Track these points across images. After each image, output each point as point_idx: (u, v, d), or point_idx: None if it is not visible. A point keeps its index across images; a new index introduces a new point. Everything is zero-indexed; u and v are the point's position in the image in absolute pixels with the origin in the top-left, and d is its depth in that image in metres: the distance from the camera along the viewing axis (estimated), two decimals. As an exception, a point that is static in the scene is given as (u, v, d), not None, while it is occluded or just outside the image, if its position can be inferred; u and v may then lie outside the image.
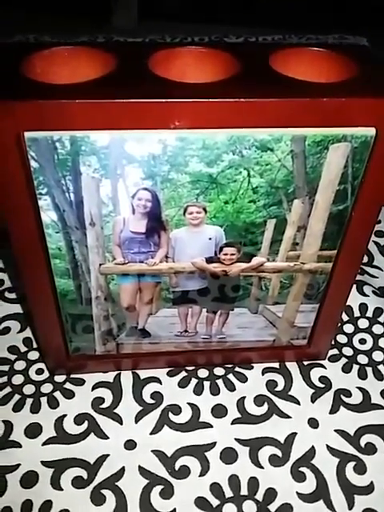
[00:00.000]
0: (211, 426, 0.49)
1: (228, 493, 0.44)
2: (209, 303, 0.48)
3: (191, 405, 0.51)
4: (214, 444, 0.48)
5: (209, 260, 0.44)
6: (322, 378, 0.54)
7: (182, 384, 0.52)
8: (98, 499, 0.44)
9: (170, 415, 0.50)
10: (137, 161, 0.37)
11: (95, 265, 0.43)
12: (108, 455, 0.46)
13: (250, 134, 0.36)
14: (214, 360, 0.54)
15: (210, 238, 0.43)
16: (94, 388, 0.52)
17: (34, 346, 0.55)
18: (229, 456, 0.47)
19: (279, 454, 0.47)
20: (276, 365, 0.55)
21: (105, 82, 0.36)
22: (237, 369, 0.54)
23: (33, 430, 0.48)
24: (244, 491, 0.45)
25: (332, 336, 0.54)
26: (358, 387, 0.53)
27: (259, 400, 0.51)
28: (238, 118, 0.35)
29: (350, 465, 0.47)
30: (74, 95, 0.33)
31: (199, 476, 0.45)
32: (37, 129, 0.34)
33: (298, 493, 0.45)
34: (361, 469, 0.46)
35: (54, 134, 0.35)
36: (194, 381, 0.53)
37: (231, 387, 0.52)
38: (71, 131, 0.35)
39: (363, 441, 0.48)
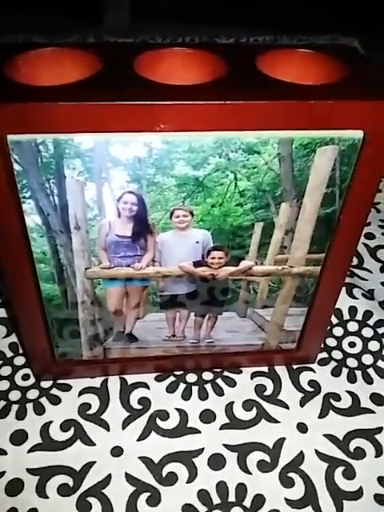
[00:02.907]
0: (199, 432, 0.49)
1: (216, 499, 0.44)
2: (197, 307, 0.48)
3: (179, 410, 0.50)
4: (201, 450, 0.47)
5: (196, 264, 0.44)
6: (312, 382, 0.53)
7: (170, 389, 0.52)
8: (84, 507, 0.43)
9: (158, 421, 0.49)
10: (122, 164, 0.36)
11: (81, 269, 0.42)
12: (94, 462, 0.46)
13: (236, 136, 0.36)
14: (202, 364, 0.53)
15: (197, 242, 0.43)
16: (80, 394, 0.51)
17: (20, 351, 0.54)
18: (217, 462, 0.46)
19: (268, 459, 0.47)
20: (265, 369, 0.54)
21: (89, 83, 0.35)
22: (225, 373, 0.54)
23: (18, 437, 0.47)
24: (232, 498, 0.44)
25: (321, 339, 0.54)
26: (347, 391, 0.53)
27: (248, 405, 0.51)
28: (224, 120, 0.35)
29: (339, 470, 0.46)
30: (58, 97, 0.33)
31: (187, 482, 0.45)
32: (20, 132, 0.34)
33: (286, 499, 0.44)
34: (350, 474, 0.46)
35: (37, 137, 0.34)
36: (182, 386, 0.52)
37: (220, 392, 0.52)
38: (55, 134, 0.34)
39: (352, 445, 0.48)
